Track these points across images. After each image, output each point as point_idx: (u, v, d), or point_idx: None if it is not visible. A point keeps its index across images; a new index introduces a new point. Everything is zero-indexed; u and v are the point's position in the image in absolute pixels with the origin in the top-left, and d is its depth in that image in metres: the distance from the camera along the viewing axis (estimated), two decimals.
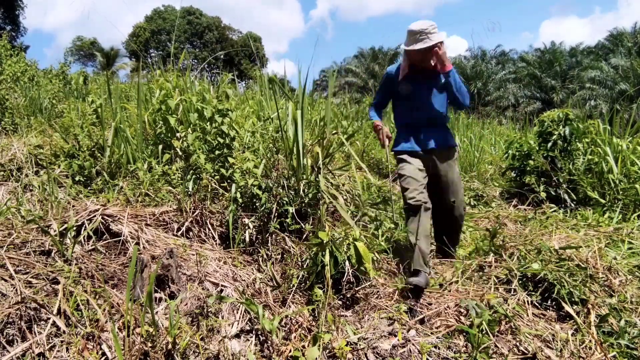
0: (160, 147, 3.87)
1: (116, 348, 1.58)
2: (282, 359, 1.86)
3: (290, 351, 1.89)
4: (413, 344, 2.05)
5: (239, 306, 2.12)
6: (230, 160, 3.73)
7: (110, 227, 2.58)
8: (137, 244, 2.52)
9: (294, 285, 2.39)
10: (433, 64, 2.75)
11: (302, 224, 2.90)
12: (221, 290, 2.25)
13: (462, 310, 2.22)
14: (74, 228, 2.40)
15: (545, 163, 4.70)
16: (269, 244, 2.85)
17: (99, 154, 3.73)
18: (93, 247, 2.43)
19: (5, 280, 1.84)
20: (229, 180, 3.72)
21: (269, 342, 1.97)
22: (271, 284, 2.43)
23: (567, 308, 2.24)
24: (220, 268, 2.42)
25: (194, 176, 3.60)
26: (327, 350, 1.94)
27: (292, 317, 2.17)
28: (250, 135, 4.59)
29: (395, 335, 2.11)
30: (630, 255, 2.89)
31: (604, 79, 22.09)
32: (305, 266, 2.54)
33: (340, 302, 2.39)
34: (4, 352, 1.60)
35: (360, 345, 2.03)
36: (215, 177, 3.63)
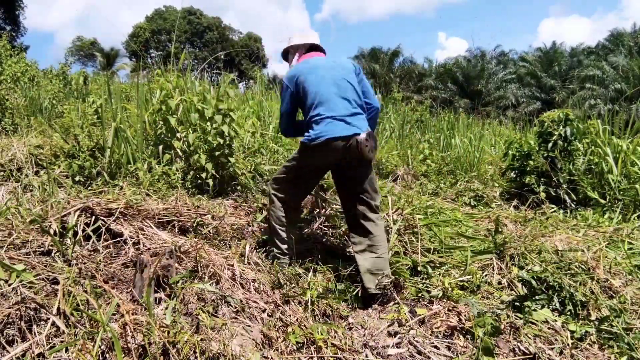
0: (161, 147, 3.87)
1: (117, 348, 1.58)
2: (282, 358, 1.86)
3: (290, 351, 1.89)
4: (413, 344, 2.05)
5: (239, 306, 2.12)
6: (231, 160, 3.74)
7: (111, 226, 2.58)
8: (137, 243, 2.53)
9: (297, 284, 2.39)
10: None
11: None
12: (220, 288, 2.25)
13: (462, 310, 2.22)
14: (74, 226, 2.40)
15: (546, 163, 4.70)
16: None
17: (99, 154, 3.73)
18: (94, 247, 2.43)
19: (5, 281, 1.83)
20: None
21: (271, 342, 1.97)
22: (274, 282, 2.43)
23: (568, 309, 2.24)
24: (220, 268, 2.41)
25: (194, 176, 3.61)
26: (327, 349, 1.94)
27: (292, 315, 2.16)
28: (251, 135, 4.60)
29: (396, 335, 2.11)
30: (631, 255, 2.89)
31: (604, 79, 22.10)
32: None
33: (340, 302, 2.38)
34: (3, 352, 1.60)
35: (359, 345, 2.03)
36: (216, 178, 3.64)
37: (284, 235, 2.67)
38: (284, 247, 2.67)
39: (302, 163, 2.60)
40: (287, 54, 2.90)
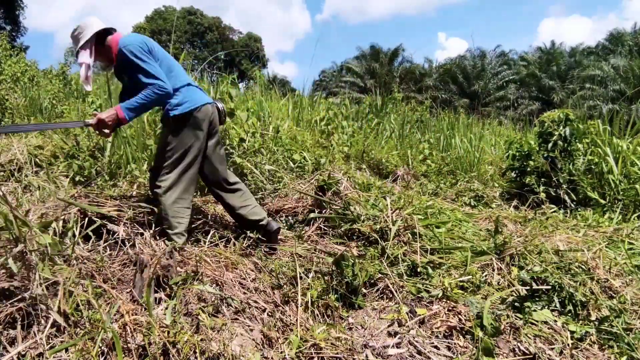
0: None
1: (117, 348, 1.58)
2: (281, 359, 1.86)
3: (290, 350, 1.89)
4: (413, 344, 2.05)
5: (239, 306, 2.12)
6: (238, 160, 3.73)
7: (110, 227, 2.58)
8: (136, 244, 2.52)
9: (296, 284, 2.39)
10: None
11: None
12: (220, 289, 2.25)
13: (462, 310, 2.22)
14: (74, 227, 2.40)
15: (546, 163, 4.70)
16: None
17: (98, 155, 3.73)
18: (94, 247, 2.43)
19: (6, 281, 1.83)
20: None
21: (271, 342, 1.97)
22: (274, 283, 2.43)
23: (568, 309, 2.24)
24: (221, 268, 2.41)
25: None
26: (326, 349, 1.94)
27: (292, 316, 2.17)
28: (250, 135, 4.59)
29: (395, 335, 2.11)
30: (631, 255, 2.89)
31: (603, 80, 22.11)
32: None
33: (340, 303, 2.38)
34: (4, 352, 1.60)
35: (359, 345, 2.03)
36: None
37: (185, 222, 2.58)
38: (184, 231, 2.58)
39: (188, 139, 2.51)
40: (79, 45, 2.51)
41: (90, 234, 2.48)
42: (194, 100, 2.51)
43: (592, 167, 4.88)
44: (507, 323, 2.11)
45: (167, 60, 2.55)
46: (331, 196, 3.48)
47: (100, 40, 2.53)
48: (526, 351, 1.98)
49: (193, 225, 2.93)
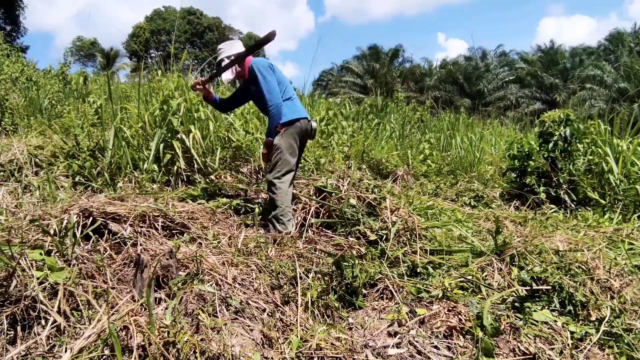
0: (161, 147, 3.87)
1: (116, 349, 1.58)
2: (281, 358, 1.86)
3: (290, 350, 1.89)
4: (413, 344, 2.05)
5: (239, 306, 2.12)
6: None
7: (111, 227, 2.58)
8: (137, 245, 2.52)
9: (297, 284, 2.39)
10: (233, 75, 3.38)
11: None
12: (220, 289, 2.25)
13: (462, 310, 2.22)
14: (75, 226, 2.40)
15: (546, 164, 4.70)
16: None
17: (99, 155, 3.73)
18: (94, 247, 2.43)
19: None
20: None
21: (271, 342, 1.97)
22: (275, 283, 2.43)
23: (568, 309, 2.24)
24: (220, 268, 2.41)
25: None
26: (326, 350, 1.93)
27: (292, 316, 2.17)
28: (252, 137, 4.59)
29: (396, 335, 2.11)
30: (631, 255, 2.89)
31: (604, 80, 22.08)
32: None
33: (340, 303, 2.38)
34: (4, 352, 1.60)
35: (359, 345, 2.03)
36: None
37: (290, 210, 3.22)
38: (290, 219, 3.21)
39: (290, 139, 3.16)
40: (221, 63, 3.30)
41: (91, 233, 2.48)
42: (297, 112, 3.20)
43: (592, 167, 4.88)
44: (507, 323, 2.11)
45: (282, 80, 3.25)
46: (330, 198, 3.47)
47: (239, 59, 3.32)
48: (526, 351, 1.98)
49: (194, 226, 2.93)
